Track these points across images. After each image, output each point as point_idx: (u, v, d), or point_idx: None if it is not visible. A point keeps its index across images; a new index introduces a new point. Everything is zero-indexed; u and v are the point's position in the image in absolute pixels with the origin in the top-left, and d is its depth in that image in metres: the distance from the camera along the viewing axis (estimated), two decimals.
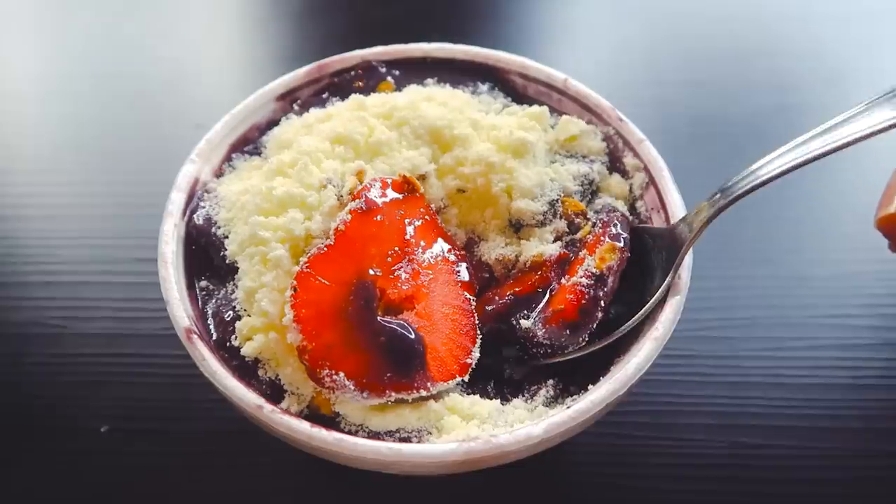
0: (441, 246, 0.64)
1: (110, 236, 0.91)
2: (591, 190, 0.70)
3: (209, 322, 0.63)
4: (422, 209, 0.64)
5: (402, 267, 0.61)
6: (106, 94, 1.08)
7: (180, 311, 0.60)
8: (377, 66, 0.77)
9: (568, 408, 0.56)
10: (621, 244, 0.63)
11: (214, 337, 0.62)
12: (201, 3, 1.26)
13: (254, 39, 1.22)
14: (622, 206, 0.69)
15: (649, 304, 0.61)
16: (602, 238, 0.64)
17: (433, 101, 0.71)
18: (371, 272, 0.59)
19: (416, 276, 0.61)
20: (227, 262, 0.63)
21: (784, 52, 1.13)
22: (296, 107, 0.75)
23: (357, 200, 0.61)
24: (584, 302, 0.61)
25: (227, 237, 0.65)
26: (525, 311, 0.63)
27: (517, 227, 0.68)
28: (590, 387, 0.58)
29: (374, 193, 0.62)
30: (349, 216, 0.60)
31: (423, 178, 0.66)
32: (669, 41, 1.16)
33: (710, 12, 1.21)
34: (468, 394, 0.61)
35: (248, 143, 0.74)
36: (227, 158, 0.73)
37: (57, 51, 1.18)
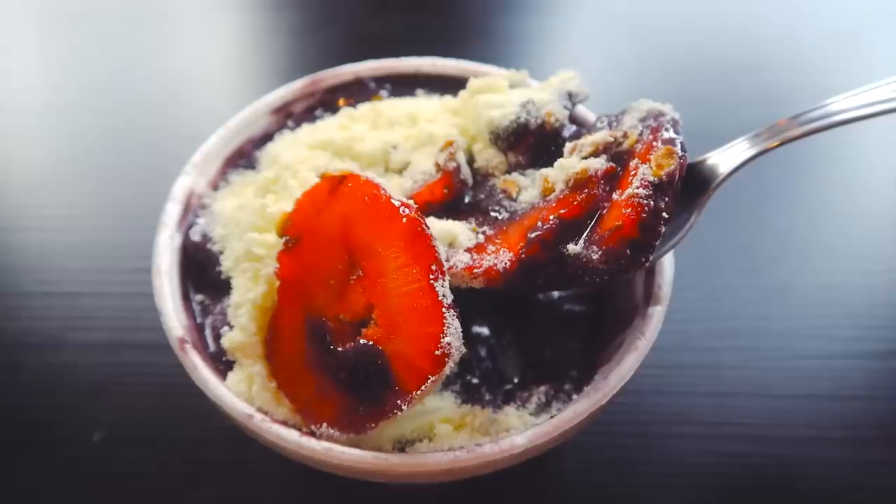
0: (386, 219, 0.54)
1: (108, 247, 0.92)
2: (573, 101, 0.66)
3: (206, 335, 0.64)
4: (357, 191, 0.56)
5: (350, 279, 0.55)
6: (105, 107, 1.10)
7: (173, 322, 0.61)
8: (367, 82, 0.79)
9: (552, 417, 0.57)
10: (678, 149, 0.55)
11: (211, 349, 0.63)
12: (200, 16, 1.28)
13: (252, 52, 1.24)
14: (672, 110, 0.60)
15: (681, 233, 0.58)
16: (654, 144, 0.56)
17: (417, 103, 0.74)
18: (320, 305, 0.56)
19: (364, 283, 0.54)
20: (223, 277, 0.65)
21: (772, 67, 1.14)
22: (290, 122, 0.77)
23: (284, 238, 0.58)
24: (644, 216, 0.52)
25: (222, 253, 0.66)
26: (575, 238, 0.55)
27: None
28: (574, 396, 0.59)
29: (298, 218, 0.57)
30: (277, 263, 0.57)
31: (393, 147, 0.67)
32: (658, 55, 1.17)
33: (699, 26, 1.22)
34: (462, 402, 0.62)
35: (243, 157, 0.75)
36: (223, 171, 0.74)
37: (56, 63, 1.20)
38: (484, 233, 0.60)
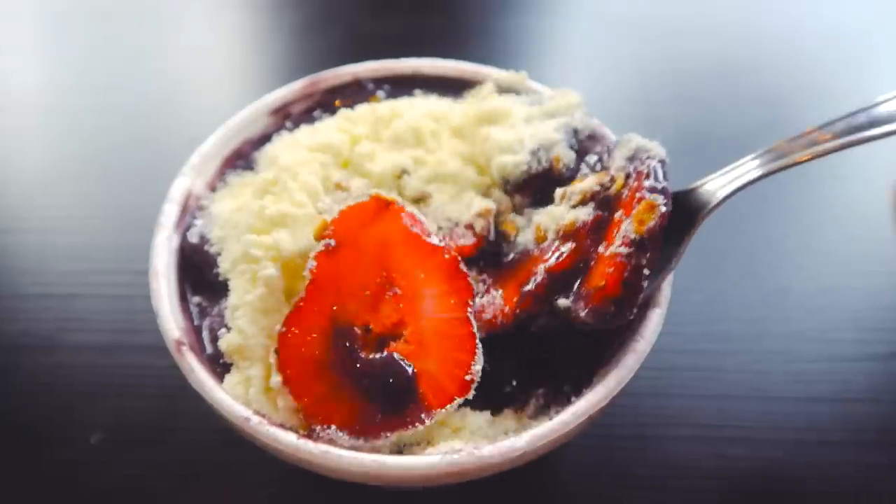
0: (428, 252, 0.60)
1: (106, 249, 0.92)
2: (578, 138, 0.69)
3: (203, 337, 0.64)
4: (403, 219, 0.61)
5: (385, 294, 0.59)
6: (104, 107, 1.10)
7: (170, 323, 0.61)
8: (366, 83, 0.78)
9: (550, 419, 0.57)
10: (661, 200, 0.56)
11: (209, 352, 0.63)
12: (200, 16, 1.28)
13: (252, 52, 1.24)
14: (658, 148, 0.61)
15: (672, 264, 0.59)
16: (638, 192, 0.58)
17: (414, 106, 0.73)
18: (350, 311, 0.58)
19: (400, 300, 0.59)
20: (221, 279, 0.64)
21: (772, 69, 1.14)
22: (288, 123, 0.76)
23: (324, 240, 0.59)
24: (626, 274, 0.55)
25: (219, 255, 0.66)
26: (566, 290, 0.58)
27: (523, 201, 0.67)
28: (573, 398, 0.59)
29: (340, 227, 0.59)
30: (314, 262, 0.58)
31: (405, 172, 0.67)
32: (658, 56, 1.17)
33: (700, 29, 1.22)
34: (460, 405, 0.61)
35: (241, 158, 0.75)
36: (221, 172, 0.74)
37: (56, 63, 1.20)
38: (484, 280, 0.64)
